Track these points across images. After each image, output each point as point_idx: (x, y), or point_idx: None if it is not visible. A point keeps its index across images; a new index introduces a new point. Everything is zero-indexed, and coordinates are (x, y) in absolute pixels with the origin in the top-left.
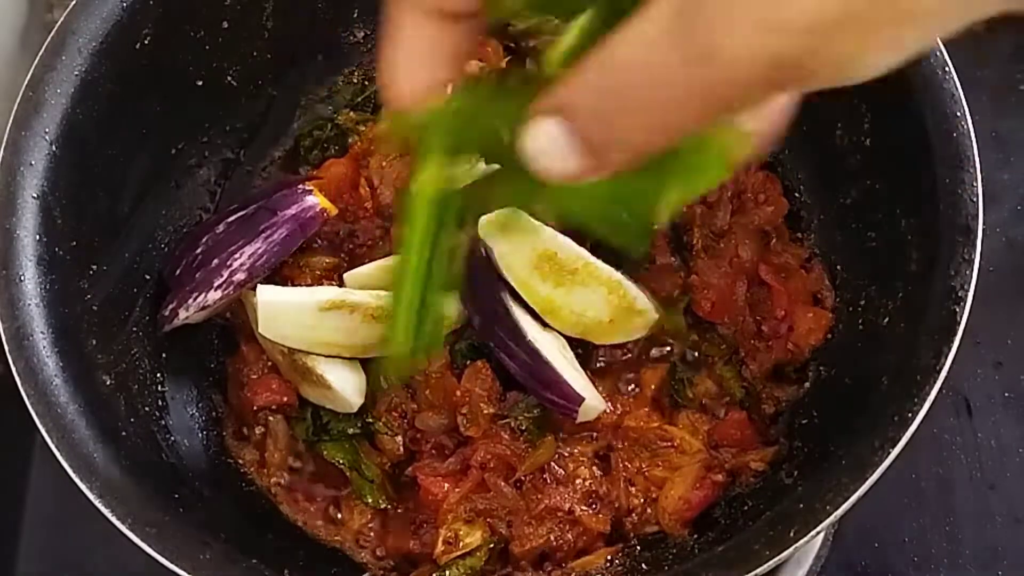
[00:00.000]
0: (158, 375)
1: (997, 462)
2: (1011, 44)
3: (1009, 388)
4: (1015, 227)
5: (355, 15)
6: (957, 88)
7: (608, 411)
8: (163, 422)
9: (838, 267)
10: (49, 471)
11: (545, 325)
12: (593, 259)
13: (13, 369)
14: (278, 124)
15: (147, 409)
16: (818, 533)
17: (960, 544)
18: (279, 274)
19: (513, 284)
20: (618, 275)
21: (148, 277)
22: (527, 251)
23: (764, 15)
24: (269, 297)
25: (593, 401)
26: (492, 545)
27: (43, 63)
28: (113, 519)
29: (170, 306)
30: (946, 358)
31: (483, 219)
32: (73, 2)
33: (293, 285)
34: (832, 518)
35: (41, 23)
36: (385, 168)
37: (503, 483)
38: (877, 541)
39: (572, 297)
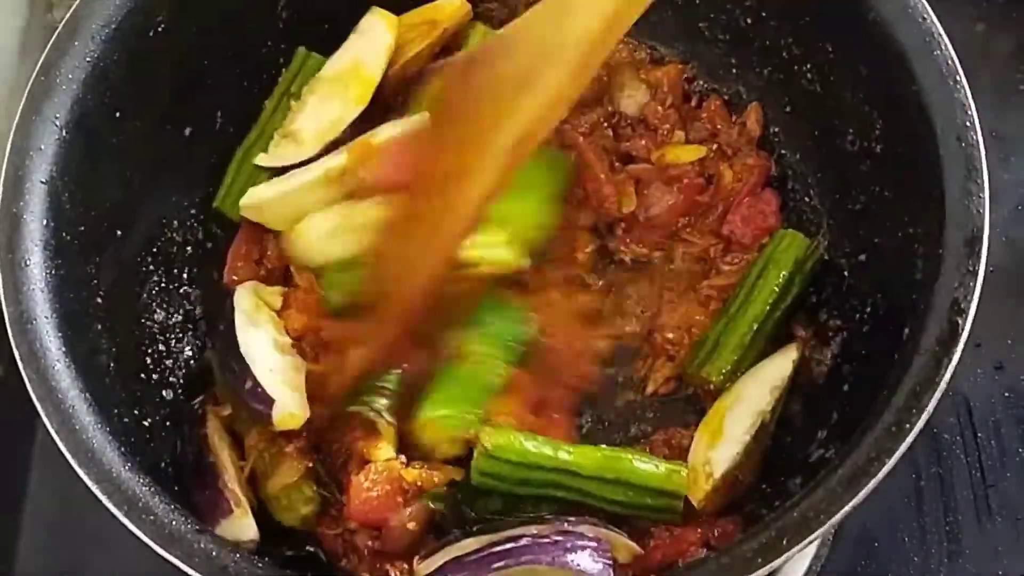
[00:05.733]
0: (165, 363)
1: (997, 462)
2: (1011, 44)
3: (1009, 388)
4: (1015, 227)
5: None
6: (968, 98)
7: None
8: (167, 411)
9: (845, 273)
10: (49, 471)
11: None
12: None
13: (16, 353)
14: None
15: (151, 397)
16: (811, 542)
17: (960, 544)
18: None
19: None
20: None
21: (156, 265)
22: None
23: None
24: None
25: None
26: None
27: (56, 47)
28: (110, 506)
29: None
30: (946, 370)
31: None
32: (76, 1)
33: None
34: (825, 527)
35: (41, 23)
36: None
37: None
38: (877, 541)
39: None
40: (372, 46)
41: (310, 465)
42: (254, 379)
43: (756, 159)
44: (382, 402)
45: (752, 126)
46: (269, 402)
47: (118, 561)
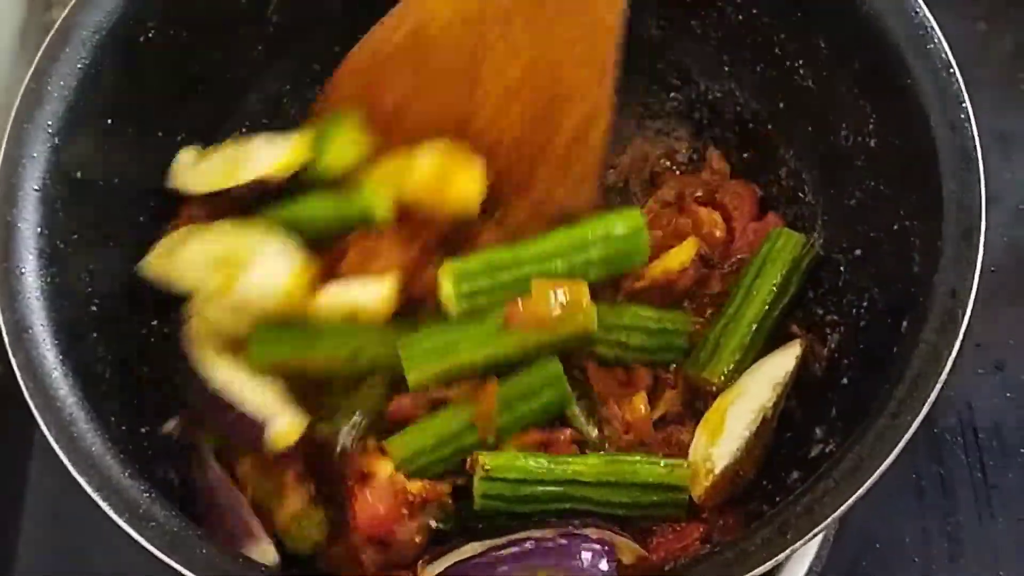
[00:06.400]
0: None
1: (998, 462)
2: (1012, 43)
3: (1010, 388)
4: (1016, 227)
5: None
6: (962, 91)
7: None
8: (166, 418)
9: (841, 268)
10: (49, 471)
11: None
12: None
13: (13, 362)
14: (284, 119)
15: (149, 404)
16: (814, 536)
17: (960, 544)
18: None
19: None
20: None
21: None
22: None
23: None
24: None
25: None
26: None
27: (47, 55)
28: (111, 513)
29: None
30: (947, 361)
31: None
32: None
33: None
34: (828, 521)
35: (40, 23)
36: None
37: None
38: (878, 541)
39: None
40: None
41: (312, 490)
42: (234, 408)
43: (743, 188)
44: (346, 427)
45: (719, 166)
46: (259, 427)
47: (118, 561)
